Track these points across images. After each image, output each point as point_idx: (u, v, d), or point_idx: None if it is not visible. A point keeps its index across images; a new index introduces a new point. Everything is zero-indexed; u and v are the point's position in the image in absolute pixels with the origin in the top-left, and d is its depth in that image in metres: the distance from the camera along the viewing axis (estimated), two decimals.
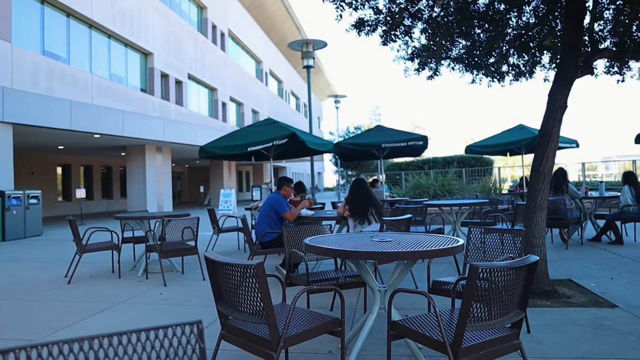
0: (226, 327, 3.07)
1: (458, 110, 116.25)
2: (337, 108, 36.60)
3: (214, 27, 30.59)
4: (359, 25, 6.46)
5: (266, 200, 7.24)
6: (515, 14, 6.54)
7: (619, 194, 9.50)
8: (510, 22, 6.62)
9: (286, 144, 8.97)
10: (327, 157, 42.52)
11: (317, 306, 4.66)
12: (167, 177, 22.90)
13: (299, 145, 9.34)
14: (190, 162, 33.60)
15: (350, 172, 42.98)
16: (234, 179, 31.77)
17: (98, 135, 16.99)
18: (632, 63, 6.51)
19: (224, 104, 31.94)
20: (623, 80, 6.77)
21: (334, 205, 10.68)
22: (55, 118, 14.65)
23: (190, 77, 27.21)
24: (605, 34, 6.26)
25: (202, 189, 34.14)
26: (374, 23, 6.44)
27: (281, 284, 3.63)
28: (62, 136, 16.60)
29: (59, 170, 25.01)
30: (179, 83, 26.01)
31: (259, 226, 6.85)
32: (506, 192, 16.02)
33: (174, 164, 29.29)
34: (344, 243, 3.64)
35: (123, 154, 22.32)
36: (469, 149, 13.94)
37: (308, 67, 17.18)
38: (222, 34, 31.89)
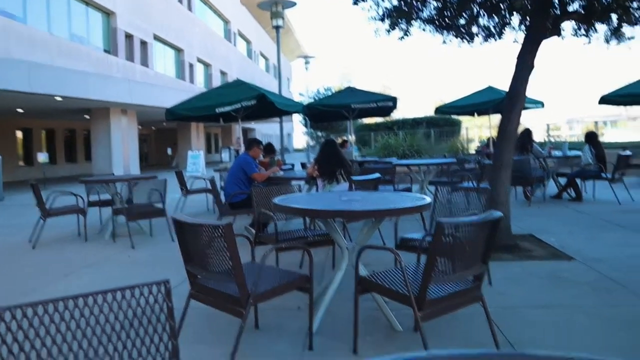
0: (195, 286, 3.09)
1: (428, 71, 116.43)
2: (307, 69, 36.17)
3: None
4: None
5: (235, 161, 7.19)
6: None
7: (581, 153, 9.77)
8: None
9: (255, 105, 8.86)
10: (297, 118, 42.24)
11: (286, 264, 4.72)
12: (133, 139, 22.44)
13: (268, 106, 9.24)
14: (157, 124, 32.95)
15: (320, 133, 42.84)
16: (202, 140, 31.35)
17: (60, 98, 16.43)
18: (598, 25, 6.57)
19: (191, 65, 31.18)
20: (589, 42, 6.85)
21: (303, 165, 10.68)
22: (12, 80, 14.05)
23: (156, 37, 26.36)
24: None
25: (169, 151, 33.62)
26: None
27: (250, 243, 3.65)
28: (21, 99, 15.98)
29: (19, 134, 24.19)
30: (144, 44, 25.19)
31: (228, 187, 6.82)
32: (474, 152, 16.28)
33: (140, 126, 28.65)
34: (313, 202, 3.67)
35: (87, 117, 21.68)
36: (438, 110, 14.05)
37: (277, 27, 16.81)
38: None
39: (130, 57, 23.76)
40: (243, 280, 2.78)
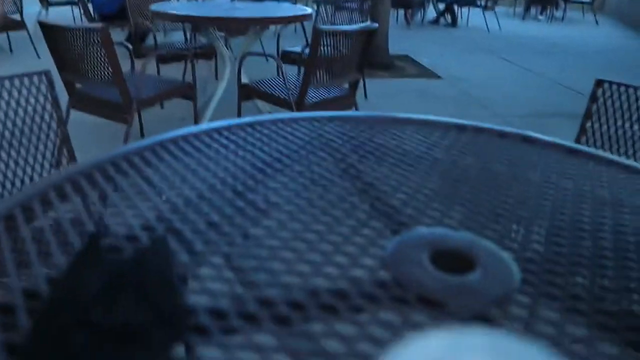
0: (74, 95, 3.00)
1: None
2: None
3: None
4: None
5: None
6: None
7: None
8: None
9: None
10: None
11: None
12: None
13: None
14: None
15: None
16: None
17: None
18: None
19: None
20: None
21: None
22: None
23: None
24: None
25: None
26: None
27: (130, 54, 3.51)
28: None
29: None
30: None
31: None
32: None
33: None
34: (194, 10, 3.55)
35: None
36: None
37: None
38: None
39: None
40: (125, 85, 2.76)
